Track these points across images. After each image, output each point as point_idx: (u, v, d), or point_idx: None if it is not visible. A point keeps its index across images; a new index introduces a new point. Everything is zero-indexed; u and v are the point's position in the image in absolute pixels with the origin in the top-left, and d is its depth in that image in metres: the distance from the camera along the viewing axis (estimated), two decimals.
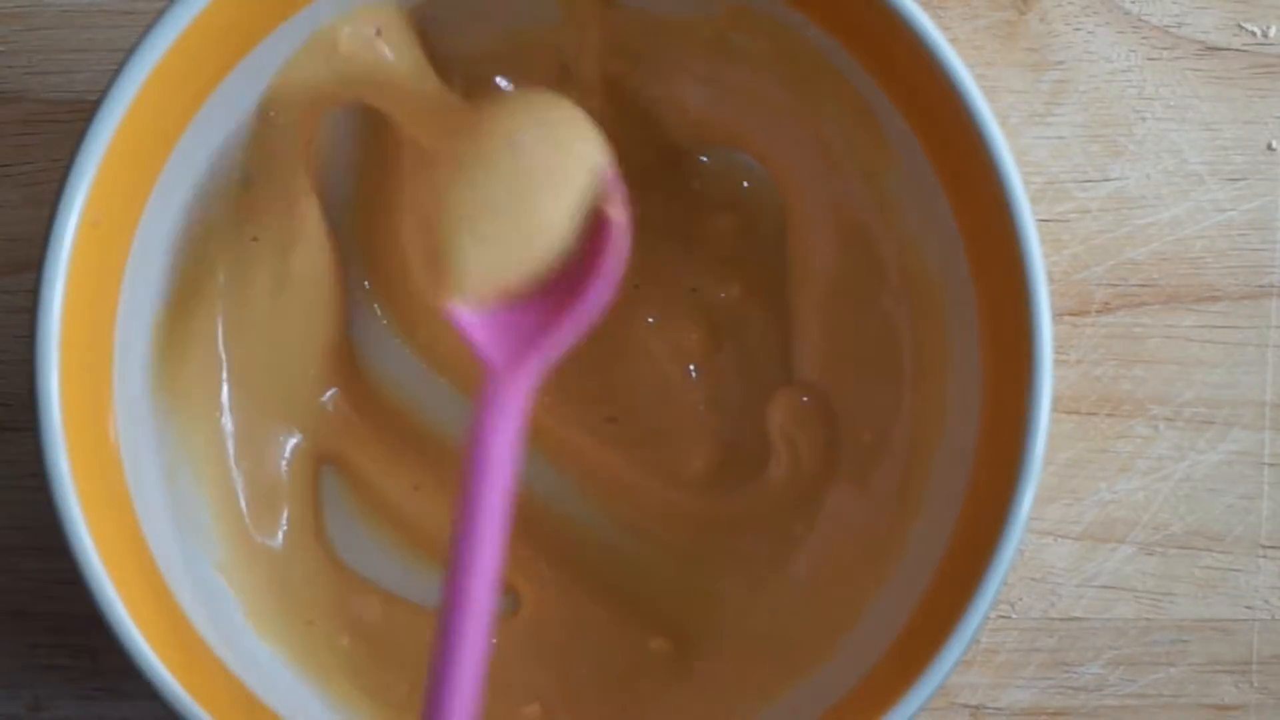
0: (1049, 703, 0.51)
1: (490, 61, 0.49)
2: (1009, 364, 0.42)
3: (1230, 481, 0.51)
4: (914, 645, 0.43)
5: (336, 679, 0.48)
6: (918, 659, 0.42)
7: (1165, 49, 0.51)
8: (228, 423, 0.48)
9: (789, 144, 0.48)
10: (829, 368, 0.49)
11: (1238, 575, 0.51)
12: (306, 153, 0.48)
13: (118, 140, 0.41)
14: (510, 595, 0.50)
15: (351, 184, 0.50)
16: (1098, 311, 0.51)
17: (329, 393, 0.50)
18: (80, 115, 0.50)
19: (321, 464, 0.50)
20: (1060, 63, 0.51)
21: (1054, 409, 0.46)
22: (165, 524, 0.45)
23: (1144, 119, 0.51)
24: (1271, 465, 0.52)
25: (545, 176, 0.42)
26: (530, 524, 0.51)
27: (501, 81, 0.49)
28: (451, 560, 0.40)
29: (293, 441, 0.49)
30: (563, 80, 0.49)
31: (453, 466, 0.51)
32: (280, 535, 0.49)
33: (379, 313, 0.51)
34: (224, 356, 0.48)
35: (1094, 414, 0.51)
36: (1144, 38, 0.51)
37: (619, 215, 0.43)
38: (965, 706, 0.51)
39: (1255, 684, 0.51)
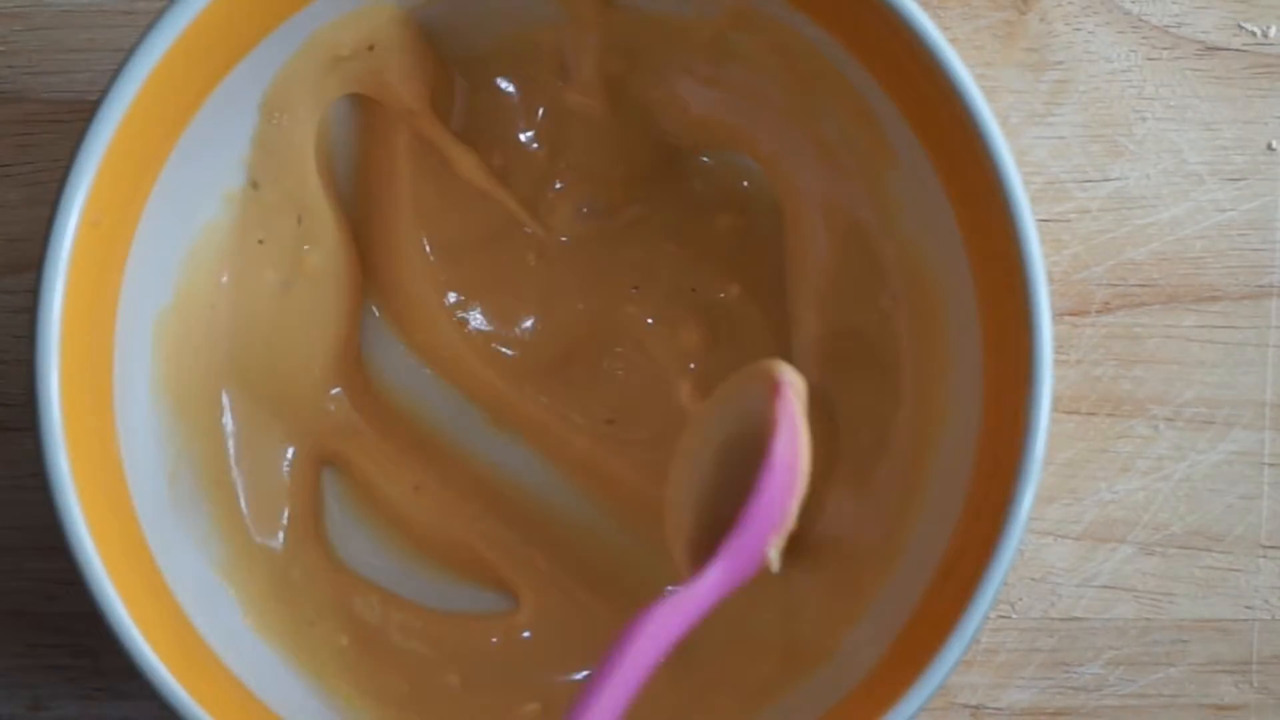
0: (1049, 703, 0.51)
1: (491, 62, 0.49)
2: (1009, 364, 0.42)
3: (1230, 481, 0.51)
4: (914, 645, 0.43)
5: (336, 679, 0.48)
6: (918, 659, 0.42)
7: (1165, 49, 0.51)
8: (228, 423, 0.48)
9: (789, 144, 0.48)
10: (828, 367, 0.49)
11: (1238, 575, 0.51)
12: (317, 155, 0.48)
13: (118, 140, 0.41)
14: (510, 594, 0.50)
15: (347, 181, 0.50)
16: (1098, 311, 0.51)
17: (331, 393, 0.50)
18: (80, 115, 0.50)
19: (323, 464, 0.50)
20: (1060, 63, 0.51)
21: (1054, 409, 0.46)
22: (165, 524, 0.45)
23: (1144, 119, 0.51)
24: (1271, 465, 0.52)
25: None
26: (530, 522, 0.51)
27: (502, 83, 0.50)
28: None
29: (294, 442, 0.49)
30: (563, 81, 0.49)
31: (453, 467, 0.51)
32: (281, 535, 0.49)
33: (376, 313, 0.51)
34: (226, 356, 0.48)
35: (1094, 414, 0.51)
36: (1144, 38, 0.51)
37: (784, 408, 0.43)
38: (965, 706, 0.51)
39: (1255, 684, 0.51)
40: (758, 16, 0.45)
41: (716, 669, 0.49)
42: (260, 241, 0.48)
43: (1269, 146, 0.52)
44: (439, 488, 0.50)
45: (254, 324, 0.48)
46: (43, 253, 0.41)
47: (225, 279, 0.48)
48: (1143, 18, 0.51)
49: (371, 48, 0.47)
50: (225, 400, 0.48)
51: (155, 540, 0.44)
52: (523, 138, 0.50)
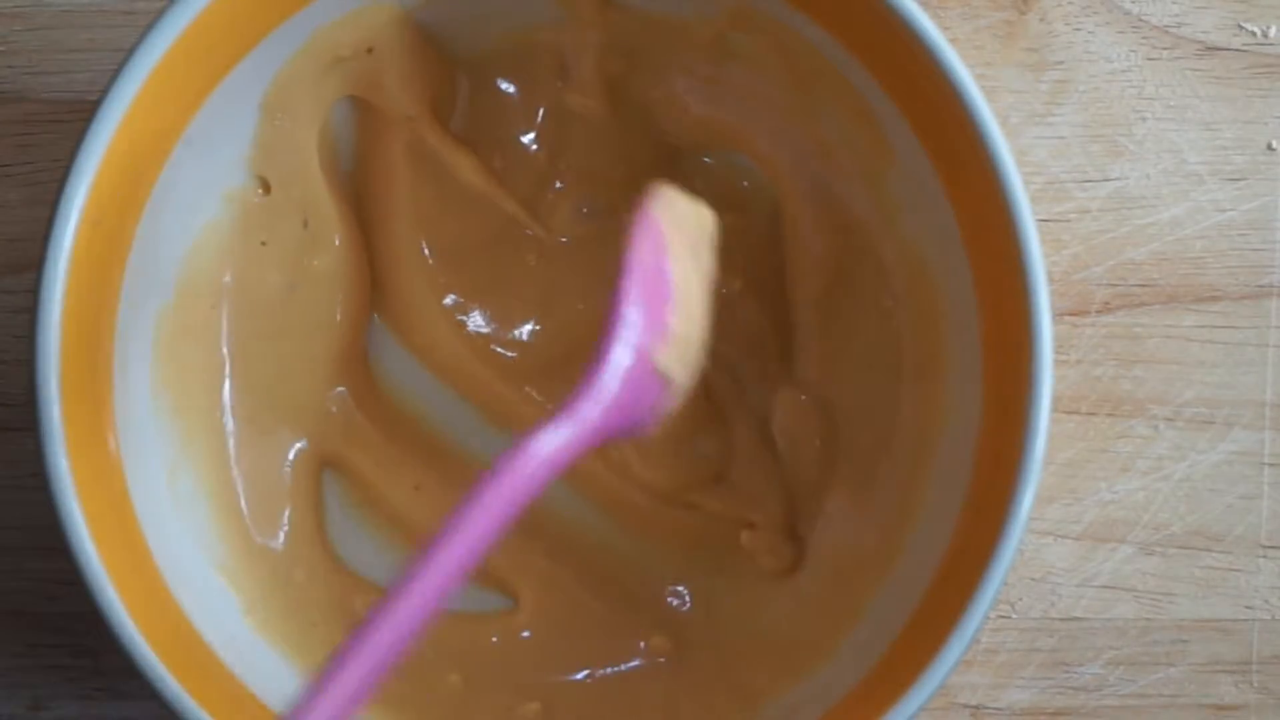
0: (1049, 703, 0.51)
1: (492, 63, 0.49)
2: (1009, 364, 0.42)
3: (1230, 481, 0.51)
4: (914, 645, 0.43)
5: None
6: (918, 659, 0.42)
7: (1165, 49, 0.51)
8: (229, 422, 0.48)
9: (789, 144, 0.48)
10: (829, 367, 0.49)
11: (1238, 575, 0.51)
12: (321, 158, 0.48)
13: (118, 140, 0.41)
14: (510, 594, 0.50)
15: (348, 183, 0.50)
16: (1098, 311, 0.51)
17: (333, 393, 0.50)
18: (80, 115, 0.50)
19: (324, 464, 0.50)
20: (1060, 63, 0.51)
21: (1054, 409, 0.46)
22: (165, 524, 0.45)
23: (1144, 119, 0.51)
24: (1271, 465, 0.52)
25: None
26: (529, 522, 0.51)
27: (503, 84, 0.50)
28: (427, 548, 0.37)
29: (295, 442, 0.49)
30: (563, 81, 0.49)
31: (453, 467, 0.51)
32: (281, 535, 0.49)
33: (375, 317, 0.51)
34: (227, 356, 0.48)
35: (1094, 414, 0.51)
36: (1144, 38, 0.51)
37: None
38: (965, 706, 0.51)
39: (1255, 684, 0.51)
40: (758, 16, 0.45)
41: (716, 669, 0.49)
42: (263, 243, 0.48)
43: (1269, 146, 0.52)
44: (439, 488, 0.50)
45: (257, 324, 0.48)
46: (43, 253, 0.41)
47: (228, 279, 0.48)
48: (1143, 18, 0.51)
49: (371, 50, 0.47)
50: (226, 400, 0.48)
51: (155, 540, 0.44)
52: (523, 139, 0.50)
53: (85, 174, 0.41)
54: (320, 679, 0.34)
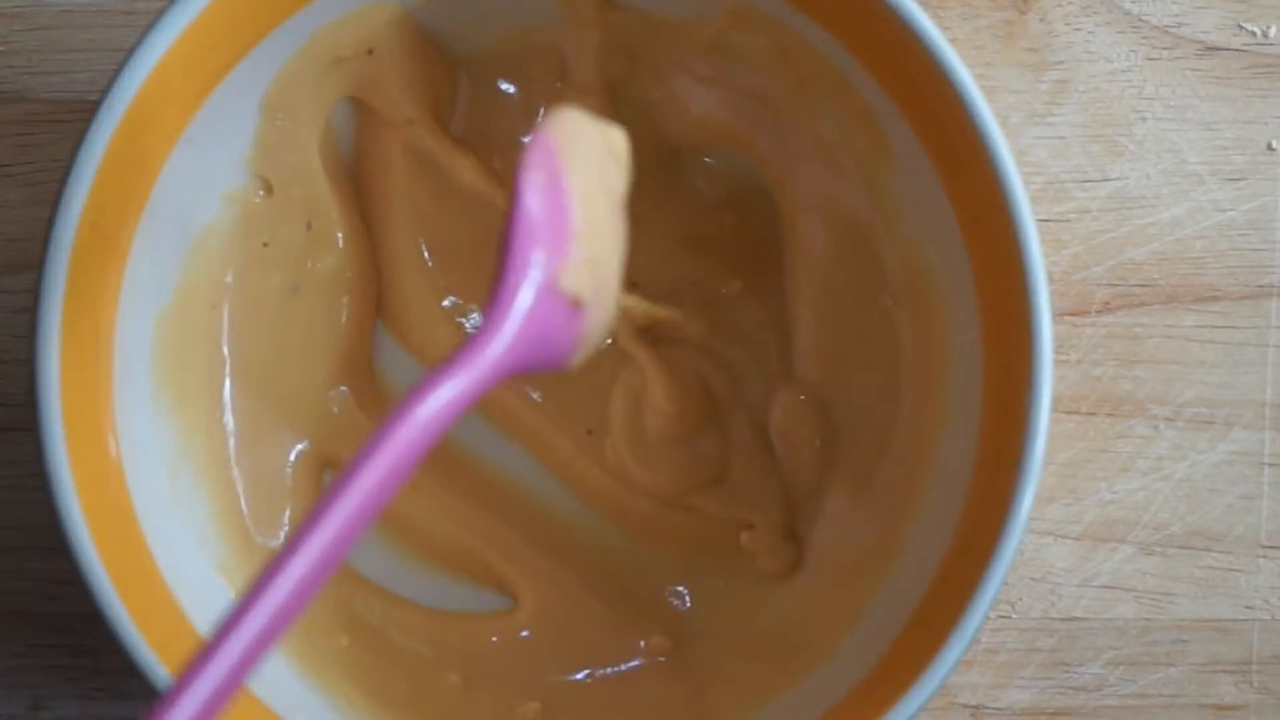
0: (1049, 703, 0.51)
1: (492, 63, 0.49)
2: (1009, 364, 0.42)
3: (1230, 481, 0.51)
4: (914, 645, 0.43)
5: (336, 678, 0.48)
6: (918, 659, 0.42)
7: (1165, 49, 0.51)
8: (229, 421, 0.48)
9: (788, 144, 0.48)
10: (828, 367, 0.49)
11: (1238, 575, 0.51)
12: (325, 160, 0.48)
13: (118, 140, 0.41)
14: (510, 594, 0.50)
15: (348, 183, 0.50)
16: (1098, 311, 0.51)
17: (334, 393, 0.50)
18: (80, 115, 0.50)
19: (325, 464, 0.50)
20: (1060, 63, 0.51)
21: (1054, 409, 0.46)
22: (165, 524, 0.45)
23: (1144, 119, 0.51)
24: (1271, 465, 0.52)
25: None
26: (530, 522, 0.51)
27: (504, 85, 0.50)
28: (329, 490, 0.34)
29: (297, 443, 0.49)
30: (563, 81, 0.49)
31: (453, 467, 0.51)
32: (282, 535, 0.49)
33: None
34: (228, 355, 0.48)
35: (1094, 414, 0.51)
36: (1144, 38, 0.51)
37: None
38: (965, 706, 0.51)
39: (1255, 684, 0.51)
40: (757, 16, 0.45)
41: (716, 669, 0.49)
42: (265, 244, 0.48)
43: (1269, 146, 0.52)
44: (439, 488, 0.50)
45: (259, 325, 0.48)
46: (43, 253, 0.41)
47: (229, 279, 0.48)
48: (1143, 18, 0.51)
49: (371, 51, 0.47)
50: (227, 399, 0.48)
51: (155, 540, 0.44)
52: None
53: (85, 174, 0.41)
54: (212, 638, 0.32)
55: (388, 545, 0.50)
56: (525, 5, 0.47)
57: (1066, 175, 0.51)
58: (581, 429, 0.50)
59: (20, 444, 0.51)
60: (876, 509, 0.47)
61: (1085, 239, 0.51)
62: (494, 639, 0.50)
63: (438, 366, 0.35)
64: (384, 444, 0.33)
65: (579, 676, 0.50)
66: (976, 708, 0.51)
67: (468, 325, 0.51)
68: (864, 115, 0.45)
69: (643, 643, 0.50)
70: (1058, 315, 0.51)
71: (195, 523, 0.46)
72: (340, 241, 0.49)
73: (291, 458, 0.49)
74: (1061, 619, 0.51)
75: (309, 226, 0.48)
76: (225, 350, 0.48)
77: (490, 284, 0.36)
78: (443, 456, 0.51)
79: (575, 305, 0.37)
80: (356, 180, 0.50)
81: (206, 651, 0.32)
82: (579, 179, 0.38)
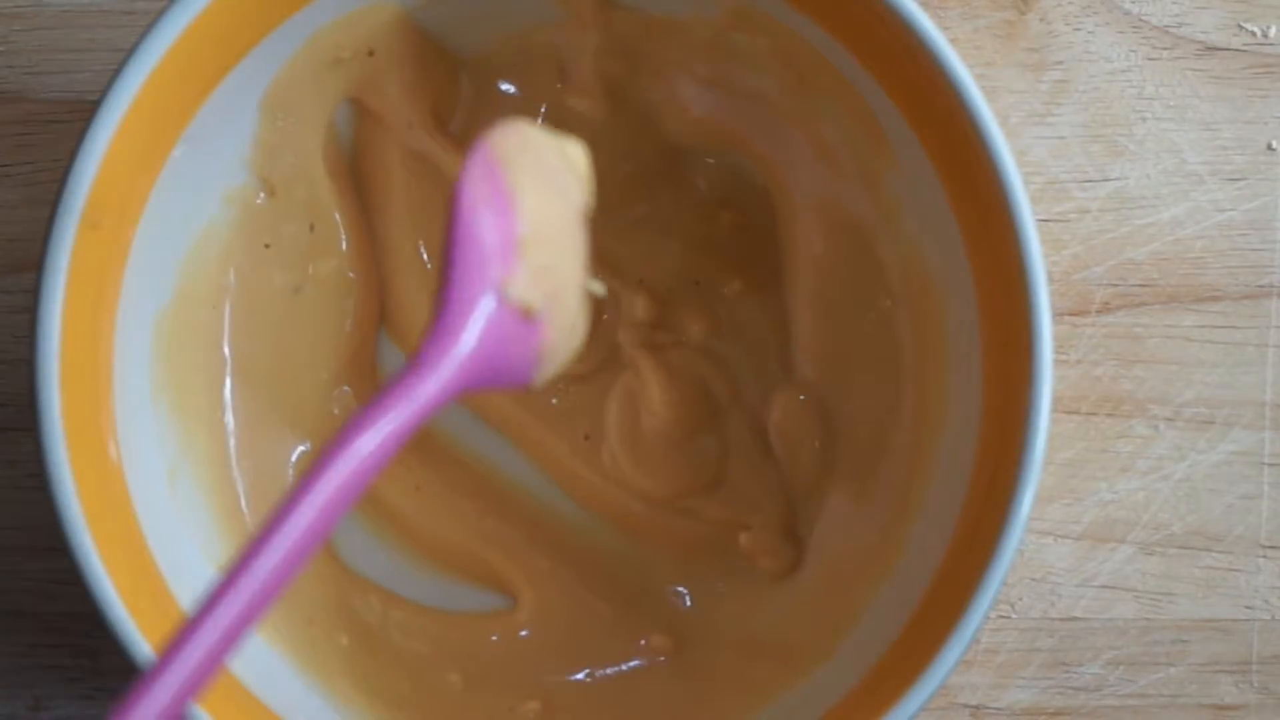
0: (1049, 703, 0.51)
1: (493, 64, 0.49)
2: (1009, 364, 0.42)
3: (1230, 481, 0.51)
4: (914, 645, 0.43)
5: (336, 678, 0.48)
6: (918, 659, 0.42)
7: (1165, 49, 0.51)
8: (230, 421, 0.48)
9: (788, 144, 0.48)
10: (828, 367, 0.49)
11: (1238, 575, 0.51)
12: (328, 162, 0.48)
13: (118, 140, 0.41)
14: (510, 593, 0.50)
15: (352, 185, 0.50)
16: (1098, 311, 0.51)
17: (336, 393, 0.50)
18: (80, 115, 0.50)
19: None
20: (1060, 63, 0.51)
21: (1054, 409, 0.46)
22: (165, 524, 0.45)
23: (1144, 119, 0.51)
24: (1271, 465, 0.52)
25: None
26: (530, 522, 0.51)
27: (504, 85, 0.49)
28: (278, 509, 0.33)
29: (297, 442, 0.49)
30: (563, 81, 0.49)
31: (453, 467, 0.51)
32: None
33: None
34: (229, 356, 0.48)
35: (1094, 414, 0.51)
36: (1144, 38, 0.51)
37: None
38: (965, 706, 0.51)
39: (1255, 684, 0.51)
40: (757, 16, 0.45)
41: (716, 669, 0.49)
42: (267, 245, 0.48)
43: (1269, 146, 0.52)
44: (439, 487, 0.50)
45: (260, 325, 0.48)
46: (43, 253, 0.41)
47: (230, 279, 0.48)
48: (1143, 18, 0.51)
49: (372, 53, 0.47)
50: (227, 399, 0.48)
51: (155, 540, 0.44)
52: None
53: (85, 174, 0.41)
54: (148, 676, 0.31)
55: (388, 545, 0.50)
56: (525, 5, 0.47)
57: (1066, 175, 0.51)
58: (579, 433, 0.50)
59: (20, 444, 0.51)
60: (876, 509, 0.47)
61: (1085, 239, 0.51)
62: (494, 639, 0.50)
63: (387, 384, 0.34)
64: (324, 478, 0.33)
65: (579, 676, 0.50)
66: (976, 708, 0.51)
67: None
68: (864, 115, 0.45)
69: (643, 642, 0.50)
70: (1058, 315, 0.51)
71: (195, 523, 0.46)
72: (344, 244, 0.49)
73: (293, 458, 0.49)
74: (1061, 619, 0.51)
75: (312, 228, 0.48)
76: (226, 350, 0.48)
77: (433, 300, 0.35)
78: (442, 457, 0.51)
79: (527, 315, 0.36)
80: (357, 183, 0.50)
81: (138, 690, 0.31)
82: (524, 188, 0.37)
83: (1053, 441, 0.50)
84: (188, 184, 0.45)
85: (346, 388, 0.50)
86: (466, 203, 0.36)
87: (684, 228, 0.51)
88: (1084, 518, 0.51)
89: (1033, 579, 0.51)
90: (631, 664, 0.50)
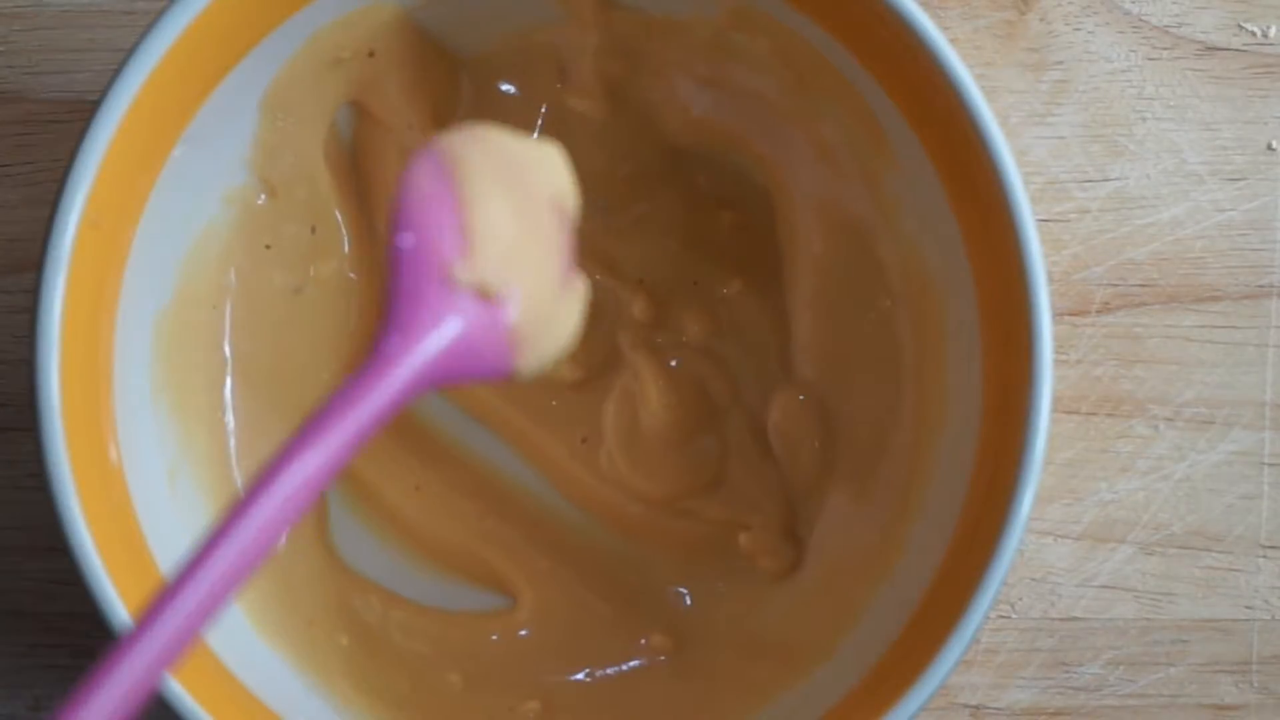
0: (1049, 703, 0.51)
1: (493, 64, 0.49)
2: (1009, 364, 0.42)
3: (1230, 481, 0.51)
4: (914, 645, 0.43)
5: (336, 679, 0.48)
6: (918, 659, 0.42)
7: (1165, 49, 0.51)
8: (230, 421, 0.48)
9: (788, 144, 0.48)
10: (828, 367, 0.49)
11: (1238, 575, 0.51)
12: (330, 165, 0.48)
13: (118, 140, 0.41)
14: (509, 593, 0.50)
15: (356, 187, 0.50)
16: (1098, 311, 0.51)
17: None
18: (80, 115, 0.50)
19: None
20: (1060, 63, 0.51)
21: (1054, 409, 0.46)
22: (165, 524, 0.45)
23: (1144, 119, 0.51)
24: (1271, 465, 0.52)
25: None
26: (530, 521, 0.51)
27: (504, 86, 0.49)
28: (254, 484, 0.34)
29: None
30: (563, 81, 0.49)
31: (453, 467, 0.51)
32: (283, 536, 0.49)
33: None
34: (229, 355, 0.48)
35: (1094, 414, 0.51)
36: (1144, 38, 0.51)
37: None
38: (965, 706, 0.51)
39: (1255, 684, 0.51)
40: (757, 16, 0.45)
41: (716, 669, 0.49)
42: (267, 247, 0.48)
43: (1269, 146, 0.52)
44: (439, 487, 0.50)
45: (261, 325, 0.48)
46: (43, 253, 0.41)
47: (230, 279, 0.48)
48: (1143, 18, 0.51)
49: (372, 54, 0.47)
50: (228, 399, 0.48)
51: (155, 540, 0.44)
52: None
53: (85, 174, 0.41)
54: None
55: (388, 545, 0.50)
56: (525, 6, 0.47)
57: (1066, 175, 0.51)
58: (576, 436, 0.50)
59: (20, 444, 0.51)
60: (876, 509, 0.47)
61: (1085, 239, 0.51)
62: (494, 638, 0.50)
63: (354, 375, 0.34)
64: (287, 471, 0.33)
65: (579, 676, 0.50)
66: (976, 708, 0.51)
67: None
68: (864, 115, 0.45)
69: (643, 641, 0.50)
70: (1058, 315, 0.51)
71: (195, 523, 0.46)
72: (345, 245, 0.49)
73: None
74: (1061, 619, 0.51)
75: (313, 230, 0.48)
76: (227, 350, 0.48)
77: (383, 293, 0.35)
78: (442, 457, 0.51)
79: (484, 298, 0.36)
80: (359, 183, 0.50)
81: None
82: (473, 177, 0.37)
83: (1053, 441, 0.50)
84: (188, 184, 0.45)
85: None
86: (408, 196, 0.36)
87: (684, 228, 0.51)
88: (1084, 518, 0.51)
89: (1033, 579, 0.51)
90: (631, 664, 0.50)
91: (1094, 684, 0.51)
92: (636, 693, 0.49)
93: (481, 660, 0.50)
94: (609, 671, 0.50)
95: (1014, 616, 0.51)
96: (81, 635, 0.51)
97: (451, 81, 0.49)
